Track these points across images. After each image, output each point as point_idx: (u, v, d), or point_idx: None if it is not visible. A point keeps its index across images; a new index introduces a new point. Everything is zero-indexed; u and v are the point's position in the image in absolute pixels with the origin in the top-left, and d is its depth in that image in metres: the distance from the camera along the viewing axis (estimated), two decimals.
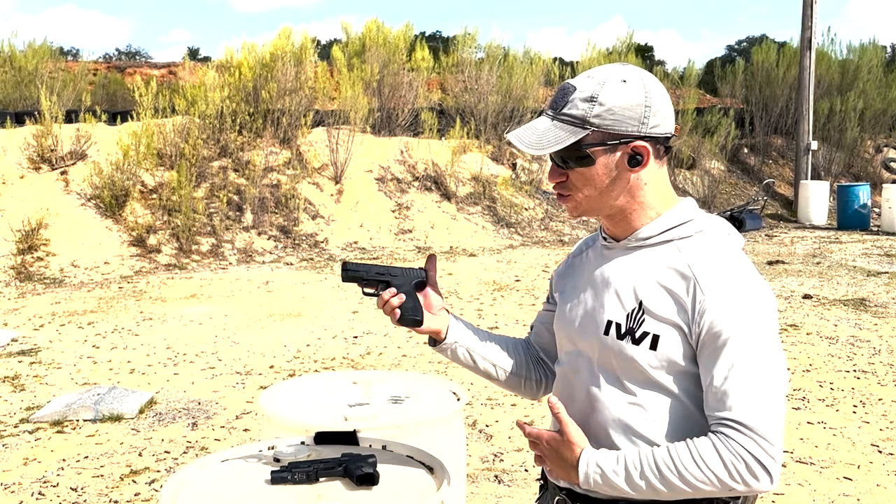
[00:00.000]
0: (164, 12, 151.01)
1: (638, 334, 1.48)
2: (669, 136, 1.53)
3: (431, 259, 1.78)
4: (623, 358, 1.49)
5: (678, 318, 1.45)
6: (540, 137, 1.50)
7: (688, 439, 1.43)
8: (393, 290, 1.71)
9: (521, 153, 14.92)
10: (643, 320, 1.48)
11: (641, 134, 1.48)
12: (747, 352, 1.41)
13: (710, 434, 1.41)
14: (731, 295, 1.43)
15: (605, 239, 1.61)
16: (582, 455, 1.46)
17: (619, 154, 1.50)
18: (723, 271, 1.46)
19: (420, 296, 1.74)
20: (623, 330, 1.49)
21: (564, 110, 1.49)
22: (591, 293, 1.59)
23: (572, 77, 1.62)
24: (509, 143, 1.73)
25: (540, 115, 1.57)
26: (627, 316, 1.50)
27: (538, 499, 1.79)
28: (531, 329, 1.87)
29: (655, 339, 1.46)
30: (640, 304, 1.49)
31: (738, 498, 1.49)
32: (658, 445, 1.47)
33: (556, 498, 1.62)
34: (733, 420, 1.39)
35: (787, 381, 1.46)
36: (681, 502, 1.46)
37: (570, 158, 1.50)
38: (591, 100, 1.47)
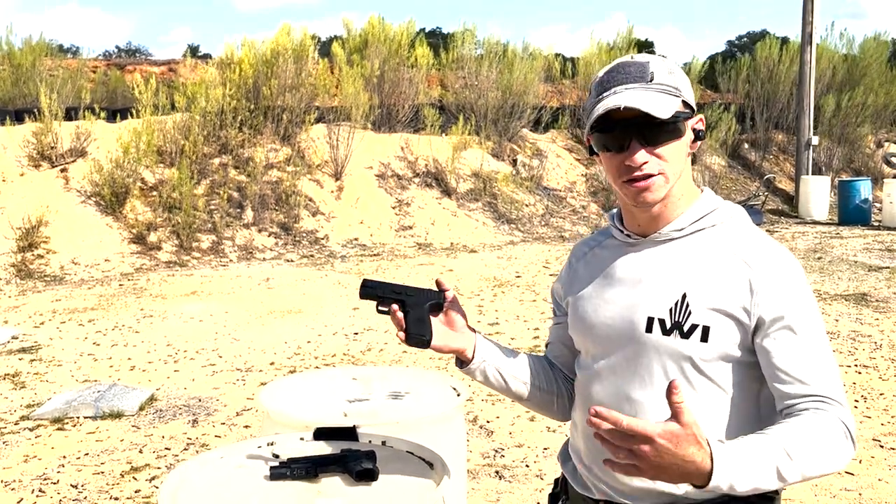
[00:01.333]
0: (166, 11, 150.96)
1: (686, 328, 1.42)
2: None
3: (439, 284, 1.68)
4: (671, 354, 1.43)
5: (732, 306, 1.41)
6: (646, 100, 1.40)
7: (789, 421, 1.34)
8: (399, 312, 1.63)
9: (523, 148, 14.90)
10: (689, 312, 1.42)
11: (695, 110, 1.49)
12: (808, 329, 1.41)
13: (802, 414, 1.35)
14: (782, 276, 1.43)
15: (627, 235, 1.55)
16: (716, 456, 1.22)
17: (689, 129, 1.48)
18: (768, 254, 1.45)
19: (439, 316, 1.65)
20: (668, 325, 1.43)
21: (657, 80, 1.44)
22: (621, 291, 1.52)
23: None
24: (611, 117, 1.40)
25: (605, 91, 1.44)
26: (671, 310, 1.44)
27: None
28: (547, 347, 1.79)
29: (706, 330, 1.41)
30: (684, 296, 1.43)
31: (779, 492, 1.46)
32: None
33: None
34: (818, 395, 1.37)
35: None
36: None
37: (663, 131, 1.43)
38: (671, 71, 1.46)
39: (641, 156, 1.42)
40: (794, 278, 1.43)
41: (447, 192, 13.51)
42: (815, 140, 16.31)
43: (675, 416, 1.20)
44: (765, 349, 1.41)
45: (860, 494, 3.87)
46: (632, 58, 1.47)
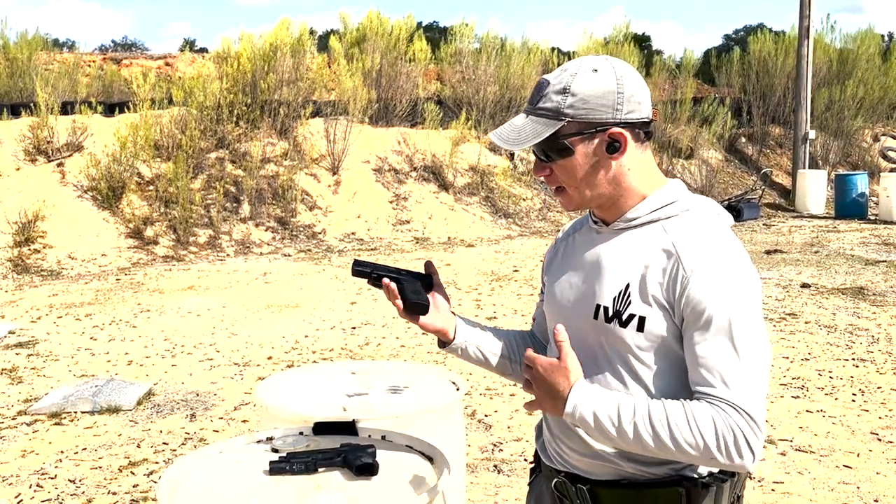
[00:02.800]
0: (165, 5, 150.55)
1: (625, 316, 1.48)
2: (648, 120, 1.54)
3: (430, 265, 1.81)
4: (612, 340, 1.50)
5: (662, 298, 1.46)
6: (518, 133, 1.53)
7: (684, 400, 1.42)
8: (393, 286, 1.73)
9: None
10: (629, 302, 1.48)
11: (616, 120, 1.50)
12: (733, 330, 1.41)
13: (706, 402, 1.40)
14: (713, 272, 1.44)
15: (594, 223, 1.62)
16: (575, 386, 1.45)
17: (596, 142, 1.51)
18: (706, 249, 1.46)
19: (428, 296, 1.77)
20: (611, 313, 1.50)
21: (540, 104, 1.52)
22: (581, 277, 1.60)
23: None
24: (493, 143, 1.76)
25: (518, 112, 1.59)
26: (614, 299, 1.50)
27: (530, 483, 1.80)
28: (534, 321, 1.88)
29: (642, 320, 1.47)
30: (627, 286, 1.50)
31: (725, 481, 1.52)
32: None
33: (555, 481, 1.63)
34: (724, 399, 1.39)
35: (770, 359, 1.48)
36: (669, 482, 1.48)
37: (551, 151, 1.53)
38: (563, 91, 1.50)
39: (538, 168, 1.58)
40: (727, 278, 1.43)
41: (444, 186, 13.50)
42: (811, 134, 16.31)
43: (559, 354, 1.47)
44: (687, 345, 1.45)
45: (858, 488, 3.88)
46: (544, 78, 1.54)
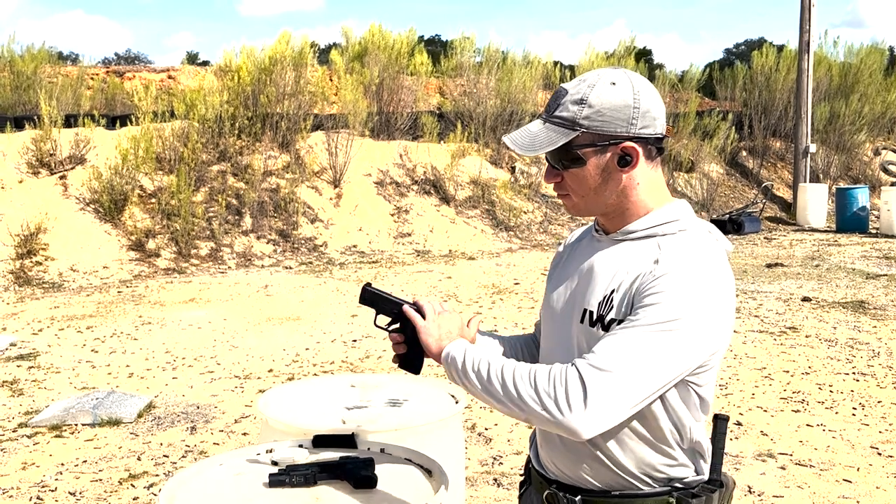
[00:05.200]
0: (169, 17, 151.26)
1: (606, 321, 1.51)
2: (661, 137, 1.55)
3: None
4: (593, 344, 1.50)
5: (631, 302, 1.48)
6: (533, 139, 1.54)
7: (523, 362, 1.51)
8: (400, 337, 1.74)
9: (520, 156, 14.92)
10: (611, 307, 1.51)
11: (630, 135, 1.51)
12: (651, 327, 1.40)
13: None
14: (672, 281, 1.43)
15: (596, 231, 1.65)
16: (457, 340, 1.60)
17: (609, 155, 1.53)
18: (686, 263, 1.46)
19: None
20: (595, 317, 1.53)
21: (556, 113, 1.53)
22: (576, 282, 1.63)
23: (571, 80, 1.64)
24: (506, 146, 1.81)
25: (535, 118, 1.61)
26: (600, 304, 1.53)
27: (520, 495, 1.80)
28: (536, 327, 1.90)
29: (613, 324, 1.49)
30: (612, 292, 1.52)
31: (715, 490, 1.53)
32: (627, 430, 1.49)
33: (546, 492, 1.64)
34: (586, 355, 1.42)
35: (664, 380, 1.41)
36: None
37: (564, 159, 1.55)
38: (580, 102, 1.51)
39: (549, 175, 1.61)
40: (688, 288, 1.42)
41: (446, 199, 13.52)
42: (812, 148, 16.34)
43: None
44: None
45: (858, 502, 3.87)
46: (563, 86, 1.56)
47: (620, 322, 1.47)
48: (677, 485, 1.53)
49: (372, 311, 1.78)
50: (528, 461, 1.76)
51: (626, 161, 1.52)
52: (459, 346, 1.57)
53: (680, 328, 1.40)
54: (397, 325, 1.75)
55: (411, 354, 1.74)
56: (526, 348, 1.86)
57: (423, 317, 1.68)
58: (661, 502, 1.51)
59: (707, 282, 1.45)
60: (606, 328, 1.50)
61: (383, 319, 1.78)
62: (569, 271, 1.67)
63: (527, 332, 1.95)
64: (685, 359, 1.42)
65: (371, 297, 1.78)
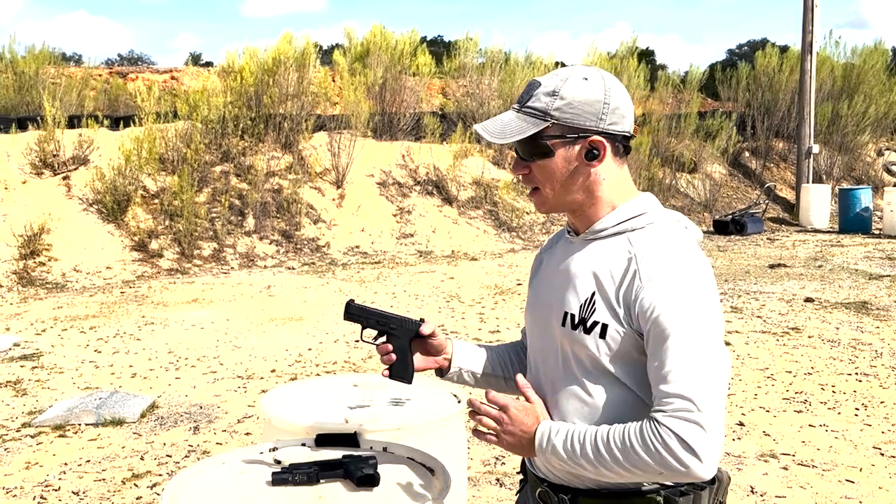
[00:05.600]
0: (172, 18, 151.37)
1: (589, 323, 1.52)
2: (628, 135, 1.58)
3: (426, 325, 1.82)
4: (578, 347, 1.54)
5: (620, 305, 1.49)
6: (503, 127, 1.57)
7: (631, 423, 1.45)
8: (388, 346, 1.78)
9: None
10: (594, 310, 1.52)
11: (599, 129, 1.54)
12: (682, 339, 1.42)
13: (647, 420, 1.43)
14: (668, 282, 1.46)
15: (569, 233, 1.67)
16: (540, 425, 1.53)
17: (577, 148, 1.55)
18: (664, 259, 1.49)
19: (420, 345, 1.81)
20: (577, 320, 1.54)
21: (528, 103, 1.56)
22: (554, 286, 1.64)
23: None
24: (476, 134, 1.83)
25: (508, 110, 1.63)
26: (581, 307, 1.54)
27: (518, 492, 1.82)
28: (522, 334, 1.90)
29: (604, 327, 1.50)
30: (593, 294, 1.53)
31: (704, 488, 1.53)
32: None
33: (538, 490, 1.65)
34: (662, 405, 1.40)
35: (725, 373, 1.44)
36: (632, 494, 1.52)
37: (533, 150, 1.57)
38: (552, 94, 1.54)
39: (517, 166, 1.62)
40: (677, 286, 1.46)
41: (448, 199, 13.53)
42: (815, 148, 16.33)
43: (525, 398, 1.58)
44: (648, 354, 1.48)
45: (860, 502, 3.87)
46: (536, 79, 1.59)
47: (605, 326, 1.49)
48: (666, 483, 1.52)
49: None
50: (523, 460, 1.77)
51: (593, 154, 1.54)
52: (545, 434, 1.52)
53: (710, 329, 1.45)
54: (384, 339, 1.78)
55: (401, 364, 1.77)
56: (515, 356, 1.88)
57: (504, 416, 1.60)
58: (650, 500, 1.51)
59: (694, 273, 1.48)
60: (589, 331, 1.51)
61: (369, 334, 1.81)
62: (547, 276, 1.69)
63: (514, 340, 1.96)
64: (722, 350, 1.47)
65: (357, 312, 1.81)
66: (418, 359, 1.81)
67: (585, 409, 1.54)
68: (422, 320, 1.82)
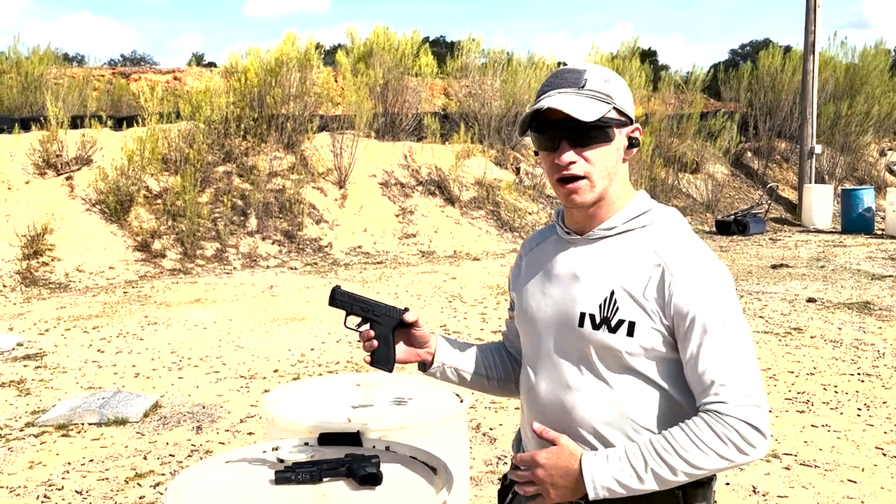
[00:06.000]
0: (175, 19, 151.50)
1: (614, 322, 1.50)
2: None
3: (408, 314, 1.79)
4: (601, 348, 1.51)
5: (652, 302, 1.48)
6: (581, 105, 1.48)
7: (680, 423, 1.45)
8: (371, 332, 1.77)
9: (524, 157, 14.94)
10: (617, 308, 1.50)
11: (633, 119, 1.55)
12: (722, 330, 1.45)
13: (700, 414, 1.44)
14: (697, 277, 1.48)
15: (567, 233, 1.63)
16: (583, 462, 1.45)
17: (623, 135, 1.55)
18: (689, 256, 1.50)
19: (404, 335, 1.79)
20: (598, 320, 1.51)
21: (589, 86, 1.51)
22: (559, 287, 1.60)
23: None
24: (537, 118, 1.53)
25: (542, 95, 1.54)
26: (600, 306, 1.51)
27: (509, 501, 1.74)
28: (504, 337, 1.89)
29: (632, 325, 1.48)
30: (612, 292, 1.51)
31: (714, 478, 1.55)
32: (646, 431, 1.50)
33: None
34: (720, 396, 1.42)
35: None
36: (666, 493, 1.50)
37: (594, 134, 1.50)
38: (606, 80, 1.53)
39: (569, 156, 1.50)
40: (708, 280, 1.48)
41: (450, 200, 13.54)
42: (818, 149, 16.32)
43: (550, 441, 1.49)
44: (681, 347, 1.48)
45: (862, 503, 3.87)
46: (572, 66, 1.55)
47: (633, 323, 1.47)
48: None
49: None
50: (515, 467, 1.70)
51: (634, 143, 1.55)
52: (595, 470, 1.45)
53: (740, 315, 1.49)
54: (367, 326, 1.78)
55: (383, 351, 1.76)
56: (498, 356, 1.85)
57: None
58: (668, 494, 1.50)
59: (718, 265, 1.51)
60: (614, 330, 1.49)
61: (353, 321, 1.81)
62: (542, 278, 1.64)
63: (496, 341, 1.92)
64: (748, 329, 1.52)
65: (342, 298, 1.81)
66: (401, 349, 1.78)
67: (612, 410, 1.51)
68: (406, 308, 1.79)
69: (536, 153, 1.61)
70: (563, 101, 1.48)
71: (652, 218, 1.57)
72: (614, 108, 1.51)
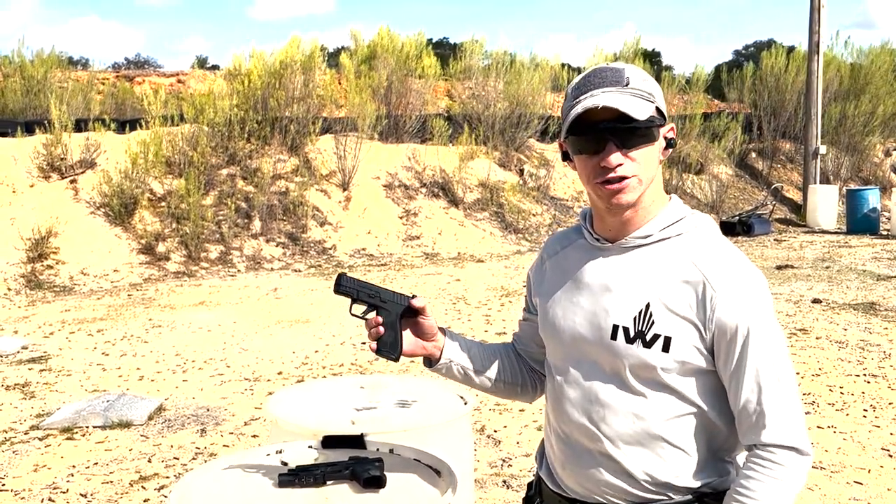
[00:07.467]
0: (179, 21, 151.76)
1: (649, 337, 1.43)
2: None
3: (416, 300, 1.73)
4: (635, 363, 1.45)
5: (691, 318, 1.42)
6: (629, 103, 1.42)
7: (742, 479, 1.42)
8: (378, 318, 1.70)
9: (528, 159, 14.92)
10: (652, 322, 1.43)
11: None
12: (764, 348, 1.41)
13: (753, 462, 1.42)
14: (740, 291, 1.42)
15: (596, 240, 1.55)
16: None
17: (662, 136, 1.50)
18: (728, 268, 1.44)
19: (411, 324, 1.72)
20: (632, 333, 1.45)
21: (633, 85, 1.45)
22: (589, 297, 1.53)
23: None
24: (585, 118, 1.42)
25: (582, 95, 1.45)
26: (635, 319, 1.45)
27: None
28: (515, 338, 1.83)
29: (668, 340, 1.42)
30: (648, 305, 1.44)
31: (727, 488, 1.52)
32: (675, 449, 1.45)
33: None
34: (766, 436, 1.41)
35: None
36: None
37: (642, 134, 1.44)
38: (645, 79, 1.48)
39: (617, 157, 1.43)
40: (751, 293, 1.43)
41: (454, 201, 13.53)
42: (822, 149, 16.28)
43: None
44: (721, 364, 1.44)
45: None
46: (608, 64, 1.49)
47: (669, 339, 1.43)
48: (705, 490, 1.49)
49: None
50: (539, 479, 1.69)
51: (671, 144, 1.50)
52: None
53: (782, 334, 1.46)
54: (374, 313, 1.72)
55: (390, 339, 1.69)
56: (507, 359, 1.78)
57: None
58: None
59: (759, 277, 1.47)
60: (649, 345, 1.43)
61: (359, 308, 1.75)
62: (570, 285, 1.57)
63: (505, 342, 1.86)
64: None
65: (348, 285, 1.75)
66: (408, 341, 1.70)
67: (640, 425, 1.46)
68: (413, 295, 1.73)
69: (566, 157, 1.53)
70: (614, 99, 1.41)
71: (687, 226, 1.50)
72: (656, 107, 1.46)
